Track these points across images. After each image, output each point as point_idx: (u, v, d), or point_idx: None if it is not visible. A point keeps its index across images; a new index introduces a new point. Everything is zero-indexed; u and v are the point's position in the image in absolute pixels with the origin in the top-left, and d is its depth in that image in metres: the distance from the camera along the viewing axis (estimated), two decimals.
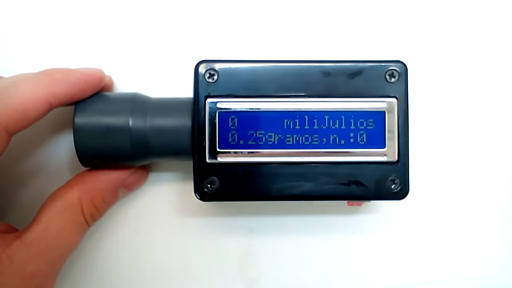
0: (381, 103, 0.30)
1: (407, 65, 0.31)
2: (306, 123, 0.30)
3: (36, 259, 0.29)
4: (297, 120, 0.30)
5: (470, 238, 0.37)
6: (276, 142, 0.30)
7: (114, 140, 0.30)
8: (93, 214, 0.32)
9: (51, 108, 0.29)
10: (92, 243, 0.35)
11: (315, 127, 0.30)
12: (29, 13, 0.35)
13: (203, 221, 0.36)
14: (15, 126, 0.28)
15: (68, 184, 0.32)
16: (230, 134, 0.30)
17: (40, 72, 0.30)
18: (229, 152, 0.30)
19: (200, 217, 0.36)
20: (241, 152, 0.30)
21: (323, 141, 0.30)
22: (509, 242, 0.37)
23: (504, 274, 0.37)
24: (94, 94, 0.31)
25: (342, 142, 0.30)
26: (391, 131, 0.30)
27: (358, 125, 0.30)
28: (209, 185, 0.31)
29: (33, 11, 0.35)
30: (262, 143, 0.30)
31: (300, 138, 0.30)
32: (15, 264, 0.29)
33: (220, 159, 0.30)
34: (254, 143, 0.30)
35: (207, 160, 0.30)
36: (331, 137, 0.30)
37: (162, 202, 0.36)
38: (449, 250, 0.37)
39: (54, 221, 0.30)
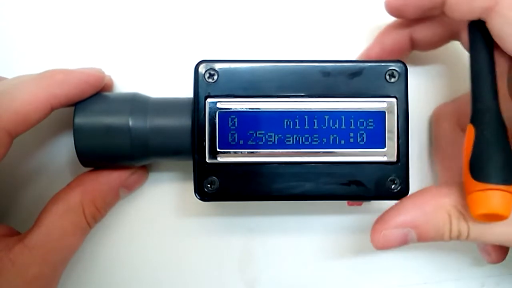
0: (381, 103, 0.30)
1: (407, 65, 0.31)
2: (306, 123, 0.30)
3: (38, 262, 0.29)
4: (297, 120, 0.30)
5: None
6: (276, 142, 0.30)
7: (114, 140, 0.30)
8: (95, 216, 0.32)
9: (52, 109, 0.29)
10: (92, 244, 0.35)
11: (315, 127, 0.30)
12: (29, 13, 0.35)
13: (203, 221, 0.36)
14: (17, 128, 0.28)
15: (69, 187, 0.32)
16: (230, 134, 0.30)
17: (41, 74, 0.30)
18: (229, 152, 0.30)
19: (200, 217, 0.36)
20: (241, 152, 0.30)
21: (323, 141, 0.30)
22: None
23: (504, 274, 0.37)
24: (94, 94, 0.31)
25: (342, 142, 0.30)
26: (391, 131, 0.30)
27: (358, 125, 0.30)
28: (209, 185, 0.30)
29: (33, 12, 0.35)
30: (262, 143, 0.30)
31: (300, 138, 0.30)
32: (17, 267, 0.29)
33: (220, 159, 0.30)
34: (254, 143, 0.30)
35: (207, 160, 0.30)
36: (331, 137, 0.30)
37: (162, 202, 0.36)
38: (449, 250, 0.37)
39: (56, 224, 0.30)
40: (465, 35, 0.30)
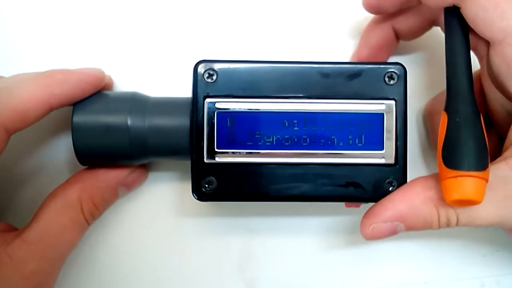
0: (380, 105, 0.30)
1: (406, 67, 0.31)
2: (305, 124, 0.30)
3: (36, 258, 0.29)
4: (295, 121, 0.30)
5: (470, 238, 0.37)
6: (274, 143, 0.30)
7: (112, 139, 0.30)
8: (93, 213, 0.32)
9: (51, 109, 0.30)
10: (91, 242, 0.35)
11: (314, 128, 0.30)
12: (29, 13, 0.36)
13: (203, 221, 0.36)
14: (14, 126, 0.29)
15: (67, 183, 0.32)
16: (228, 134, 0.30)
17: (41, 73, 0.30)
18: (227, 152, 0.30)
19: (199, 217, 0.36)
20: (239, 152, 0.30)
21: (322, 142, 0.30)
22: (509, 242, 0.37)
23: (504, 274, 0.37)
24: (93, 93, 0.31)
25: (341, 143, 0.30)
26: (389, 133, 0.30)
27: (357, 126, 0.30)
28: (206, 185, 0.31)
29: (33, 11, 0.36)
30: (260, 143, 0.30)
31: (299, 139, 0.30)
32: (15, 263, 0.29)
33: (218, 159, 0.30)
34: (252, 143, 0.30)
35: (205, 160, 0.30)
36: (330, 139, 0.30)
37: (162, 201, 0.36)
38: (449, 250, 0.37)
39: (54, 219, 0.31)
40: (442, 20, 0.30)
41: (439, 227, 0.29)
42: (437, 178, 0.29)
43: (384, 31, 0.34)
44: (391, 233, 0.29)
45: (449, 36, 0.29)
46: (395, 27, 0.33)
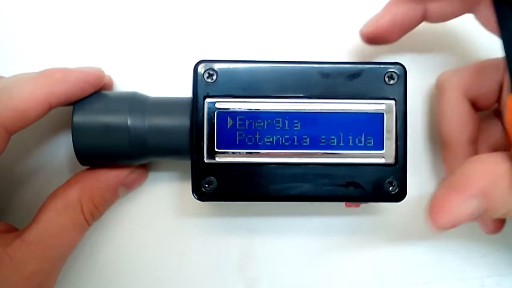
0: (380, 105, 0.30)
1: (406, 67, 0.31)
2: (305, 124, 0.30)
3: (36, 258, 0.29)
4: (295, 121, 0.30)
5: (470, 238, 0.37)
6: (274, 143, 0.30)
7: (112, 139, 0.30)
8: (93, 213, 0.32)
9: (50, 108, 0.30)
10: (91, 242, 0.35)
11: (314, 128, 0.30)
12: (29, 13, 0.36)
13: (203, 221, 0.36)
14: (14, 125, 0.29)
15: (67, 183, 0.32)
16: (228, 134, 0.30)
17: (40, 72, 0.30)
18: (227, 152, 0.30)
19: (199, 217, 0.36)
20: (239, 152, 0.30)
21: (322, 142, 0.30)
22: (509, 242, 0.37)
23: (504, 274, 0.37)
24: (93, 93, 0.31)
25: (341, 143, 0.30)
26: (389, 133, 0.30)
27: (357, 126, 0.30)
28: (206, 185, 0.31)
29: (33, 11, 0.36)
30: (260, 143, 0.30)
31: (299, 139, 0.30)
32: (15, 263, 0.29)
33: (218, 159, 0.30)
34: (252, 143, 0.30)
35: (205, 160, 0.30)
36: (330, 139, 0.30)
37: (162, 201, 0.36)
38: (449, 250, 0.37)
39: (54, 220, 0.31)
40: (483, 8, 0.30)
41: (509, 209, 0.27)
42: (502, 154, 0.27)
43: (415, 9, 0.32)
44: (472, 216, 0.26)
45: (501, 18, 0.28)
46: (428, 7, 0.31)
